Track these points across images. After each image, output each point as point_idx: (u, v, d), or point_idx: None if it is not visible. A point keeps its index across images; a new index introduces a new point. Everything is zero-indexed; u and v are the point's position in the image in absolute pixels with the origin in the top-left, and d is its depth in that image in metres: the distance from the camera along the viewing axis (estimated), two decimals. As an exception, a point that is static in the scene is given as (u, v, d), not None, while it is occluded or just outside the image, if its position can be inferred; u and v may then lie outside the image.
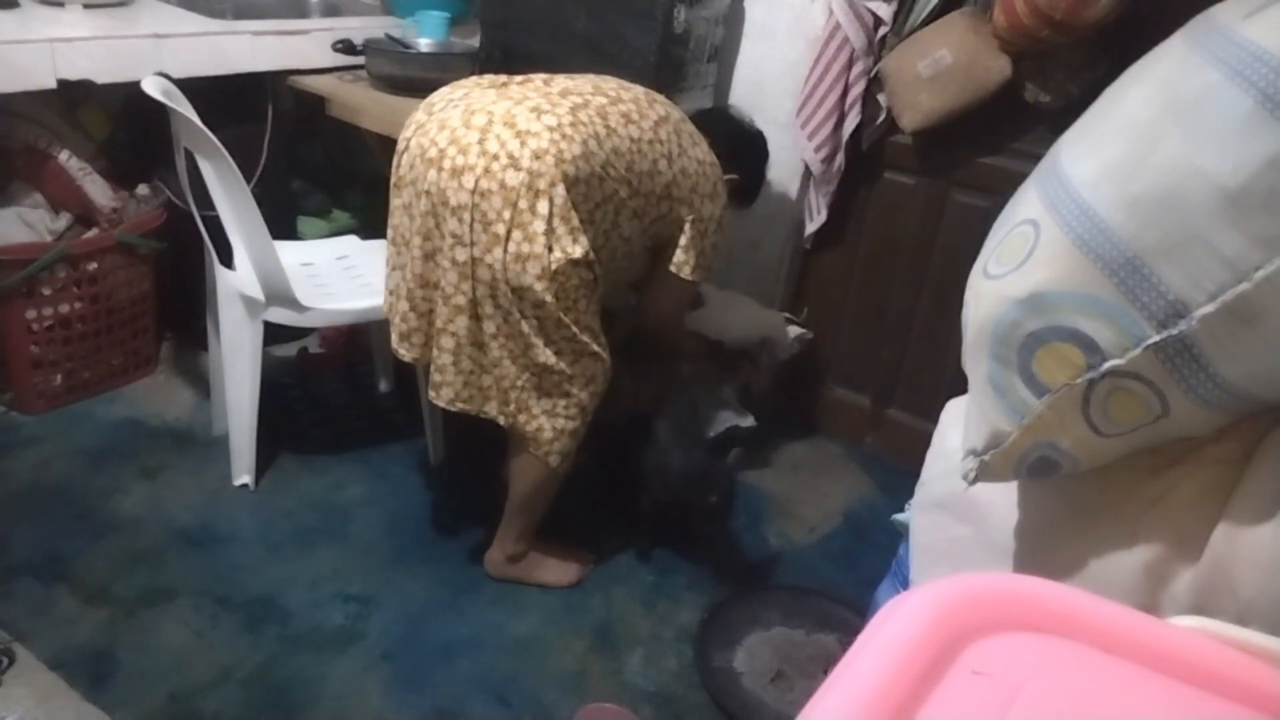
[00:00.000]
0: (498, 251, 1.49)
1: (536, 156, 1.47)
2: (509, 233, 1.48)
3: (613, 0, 2.07)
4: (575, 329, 1.56)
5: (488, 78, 1.66)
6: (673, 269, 1.73)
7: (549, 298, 1.51)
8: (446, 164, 1.50)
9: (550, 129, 1.49)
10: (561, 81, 1.63)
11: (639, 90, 1.69)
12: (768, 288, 2.46)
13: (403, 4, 2.55)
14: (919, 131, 2.06)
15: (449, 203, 1.50)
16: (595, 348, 1.62)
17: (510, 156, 1.47)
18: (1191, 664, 0.62)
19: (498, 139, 1.48)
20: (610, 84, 1.67)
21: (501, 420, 1.66)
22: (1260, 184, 0.74)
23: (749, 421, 2.26)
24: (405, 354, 1.68)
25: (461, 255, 1.51)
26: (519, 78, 1.65)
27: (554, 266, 1.49)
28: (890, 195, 2.27)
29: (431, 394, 1.66)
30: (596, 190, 1.54)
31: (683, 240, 1.71)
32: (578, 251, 1.50)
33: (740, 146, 1.95)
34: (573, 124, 1.51)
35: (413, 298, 1.62)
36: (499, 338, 1.57)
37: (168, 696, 1.52)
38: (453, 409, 1.66)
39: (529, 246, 1.48)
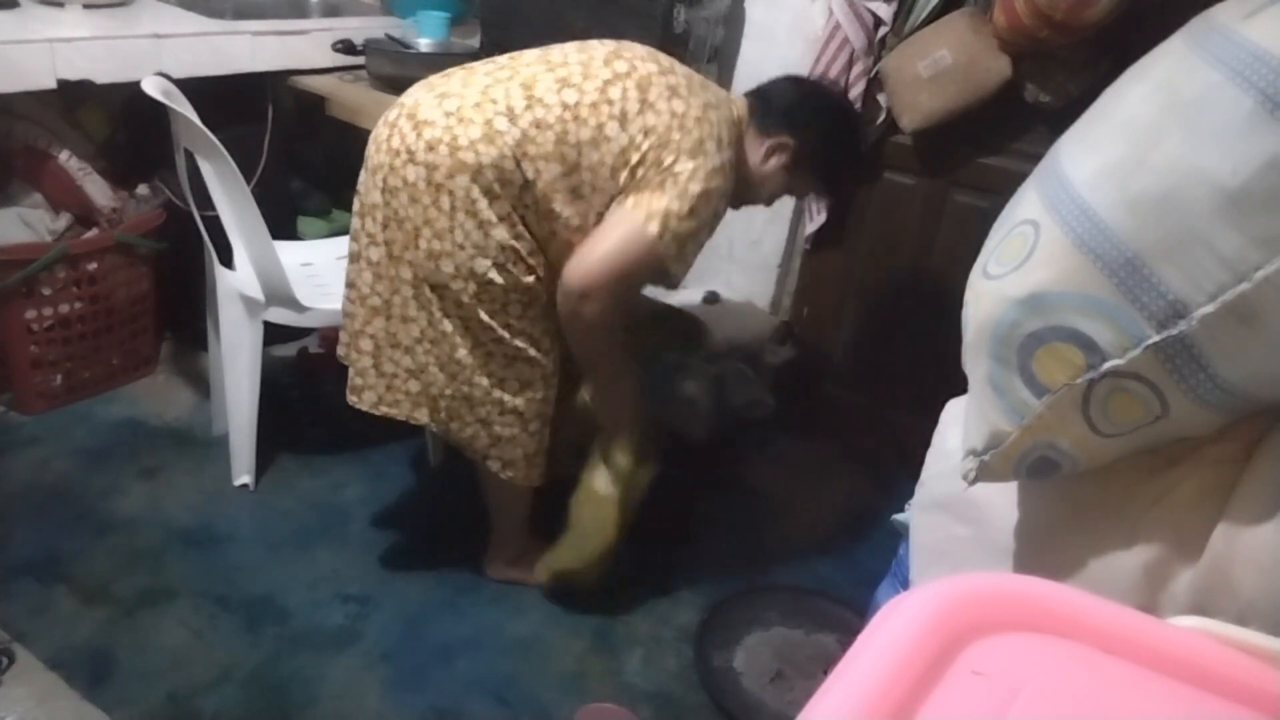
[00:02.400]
0: (412, 250, 1.44)
1: (430, 148, 1.39)
2: (418, 230, 1.43)
3: (613, 0, 2.07)
4: (504, 332, 1.48)
5: (481, 63, 1.55)
6: (628, 203, 1.42)
7: (465, 298, 1.44)
8: (370, 163, 1.49)
9: (447, 114, 1.40)
10: (509, 62, 1.49)
11: (607, 49, 1.50)
12: (768, 288, 2.46)
13: (403, 4, 2.55)
14: (919, 131, 2.06)
15: (366, 201, 1.49)
16: (532, 353, 1.52)
17: (408, 151, 1.41)
18: (1191, 664, 0.62)
19: (400, 133, 1.43)
20: (570, 49, 1.50)
21: (434, 428, 1.61)
22: (1260, 184, 0.74)
23: (770, 400, 2.27)
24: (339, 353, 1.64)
25: (375, 254, 1.49)
26: (505, 58, 1.53)
27: (469, 264, 1.42)
28: (890, 195, 2.27)
29: (351, 398, 1.60)
30: (514, 173, 1.39)
31: (648, 189, 1.42)
32: (490, 244, 1.41)
33: (796, 104, 1.60)
34: (477, 105, 1.39)
35: (344, 299, 1.60)
36: (423, 342, 1.51)
37: (167, 696, 1.52)
38: (377, 413, 1.60)
39: (439, 244, 1.42)
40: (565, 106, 1.41)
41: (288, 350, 2.48)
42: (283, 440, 2.15)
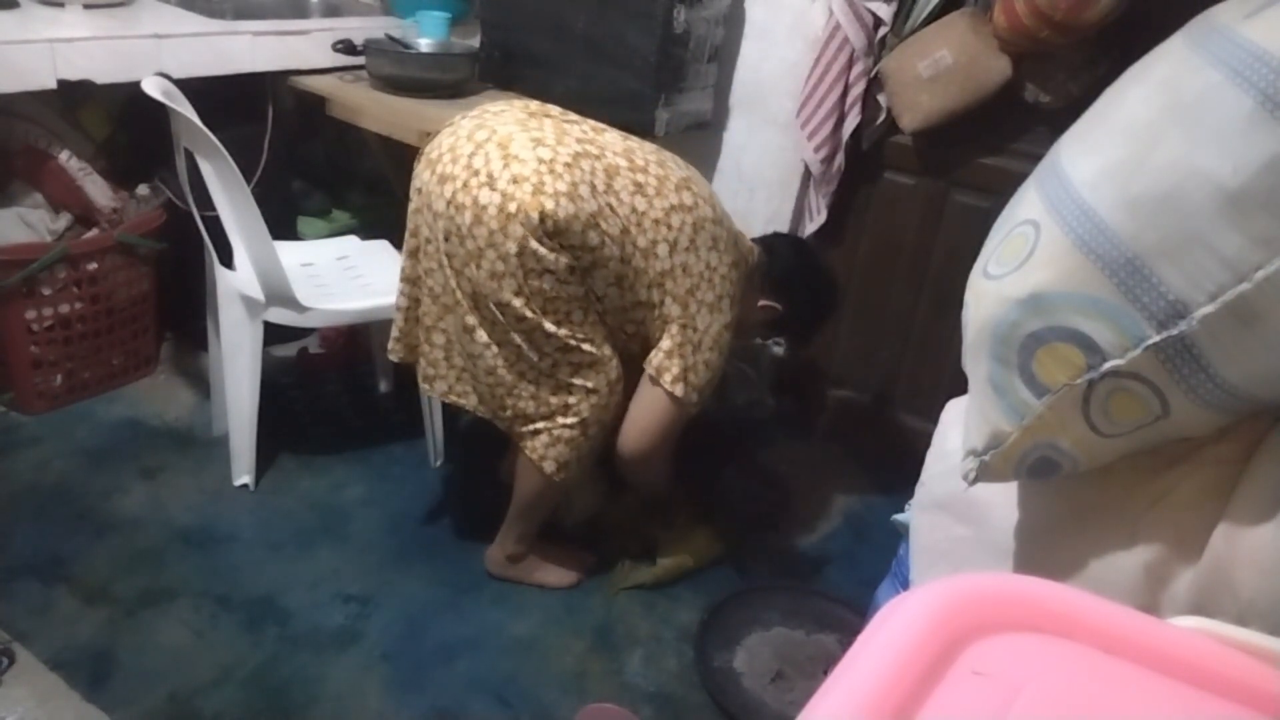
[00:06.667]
0: (473, 268, 1.48)
1: (514, 181, 1.43)
2: (481, 251, 1.46)
3: (613, 0, 2.07)
4: (570, 339, 1.53)
5: (535, 104, 1.62)
6: (650, 371, 1.60)
7: (529, 312, 1.48)
8: (439, 169, 1.51)
9: (540, 160, 1.44)
10: (595, 135, 1.57)
11: (680, 174, 1.60)
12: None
13: (403, 4, 2.55)
14: (919, 132, 2.06)
15: (432, 206, 1.52)
16: (596, 352, 1.56)
17: (490, 175, 1.44)
18: (1191, 664, 0.62)
19: (485, 156, 1.46)
20: (650, 156, 1.59)
21: (500, 425, 1.65)
22: (1260, 184, 0.74)
23: (770, 401, 2.28)
24: (392, 355, 1.75)
25: (438, 259, 1.54)
26: (560, 112, 1.60)
27: (535, 282, 1.46)
28: (890, 195, 2.27)
29: (425, 386, 1.69)
30: (578, 236, 1.46)
31: (666, 344, 1.59)
32: (560, 265, 1.46)
33: (795, 278, 1.81)
34: (567, 165, 1.45)
35: (400, 294, 1.66)
36: (492, 346, 1.55)
37: (168, 696, 1.52)
38: (447, 401, 1.69)
39: (503, 265, 1.45)
40: (634, 210, 1.52)
41: (288, 350, 2.48)
42: (283, 440, 2.15)
